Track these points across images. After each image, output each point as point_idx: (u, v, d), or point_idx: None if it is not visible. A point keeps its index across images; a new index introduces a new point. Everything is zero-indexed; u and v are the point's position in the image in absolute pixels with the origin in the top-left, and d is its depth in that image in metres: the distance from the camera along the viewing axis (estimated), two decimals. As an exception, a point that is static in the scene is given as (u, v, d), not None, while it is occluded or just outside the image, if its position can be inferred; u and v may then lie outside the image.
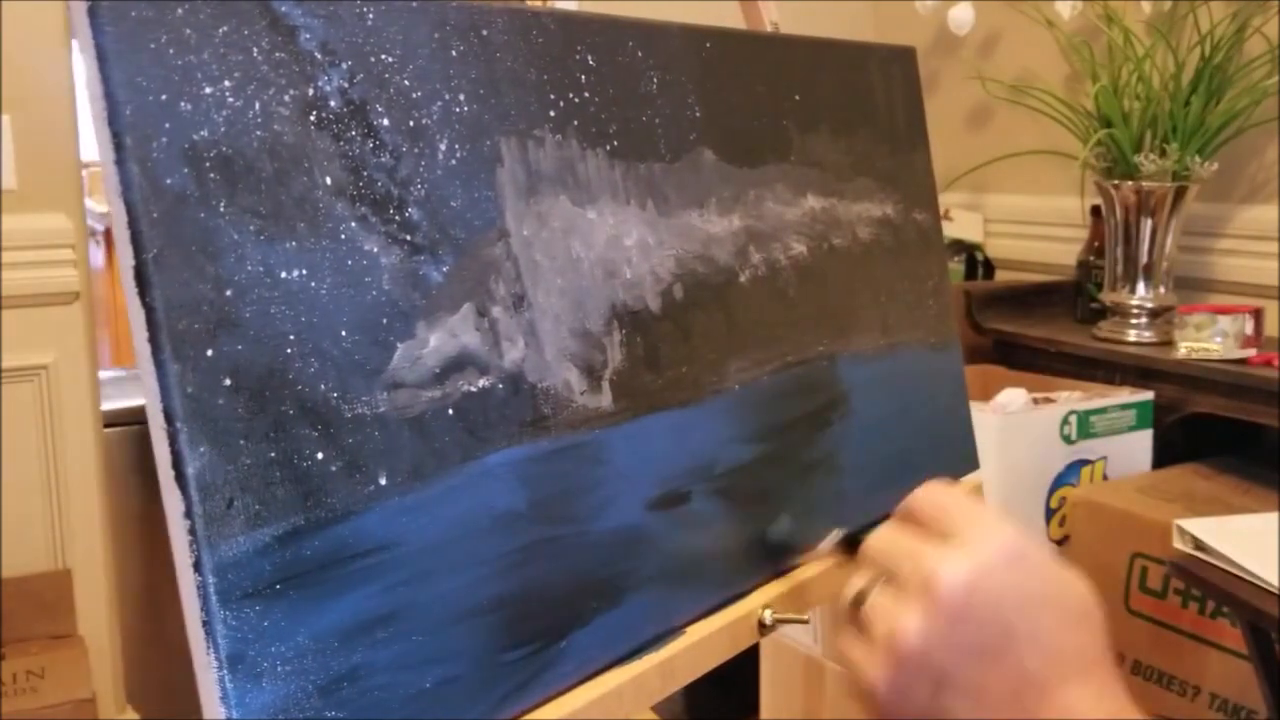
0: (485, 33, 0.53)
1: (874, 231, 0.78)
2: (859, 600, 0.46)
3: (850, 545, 0.56)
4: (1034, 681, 0.42)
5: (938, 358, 0.84)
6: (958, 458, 0.85)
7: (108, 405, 1.83)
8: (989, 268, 2.26)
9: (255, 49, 0.44)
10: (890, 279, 0.79)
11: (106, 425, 1.82)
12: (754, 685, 1.82)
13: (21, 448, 1.72)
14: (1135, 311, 1.76)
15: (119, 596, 1.85)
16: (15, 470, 1.71)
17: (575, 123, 0.57)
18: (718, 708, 1.94)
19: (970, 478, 0.87)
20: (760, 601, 0.63)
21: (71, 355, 1.74)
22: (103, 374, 1.85)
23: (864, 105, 0.79)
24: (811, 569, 0.68)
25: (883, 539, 0.48)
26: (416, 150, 0.49)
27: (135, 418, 1.88)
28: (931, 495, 0.47)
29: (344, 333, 0.45)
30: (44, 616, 1.71)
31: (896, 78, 0.83)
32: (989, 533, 0.45)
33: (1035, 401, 1.64)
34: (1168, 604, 1.43)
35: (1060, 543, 1.63)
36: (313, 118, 0.46)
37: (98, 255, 3.36)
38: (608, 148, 0.59)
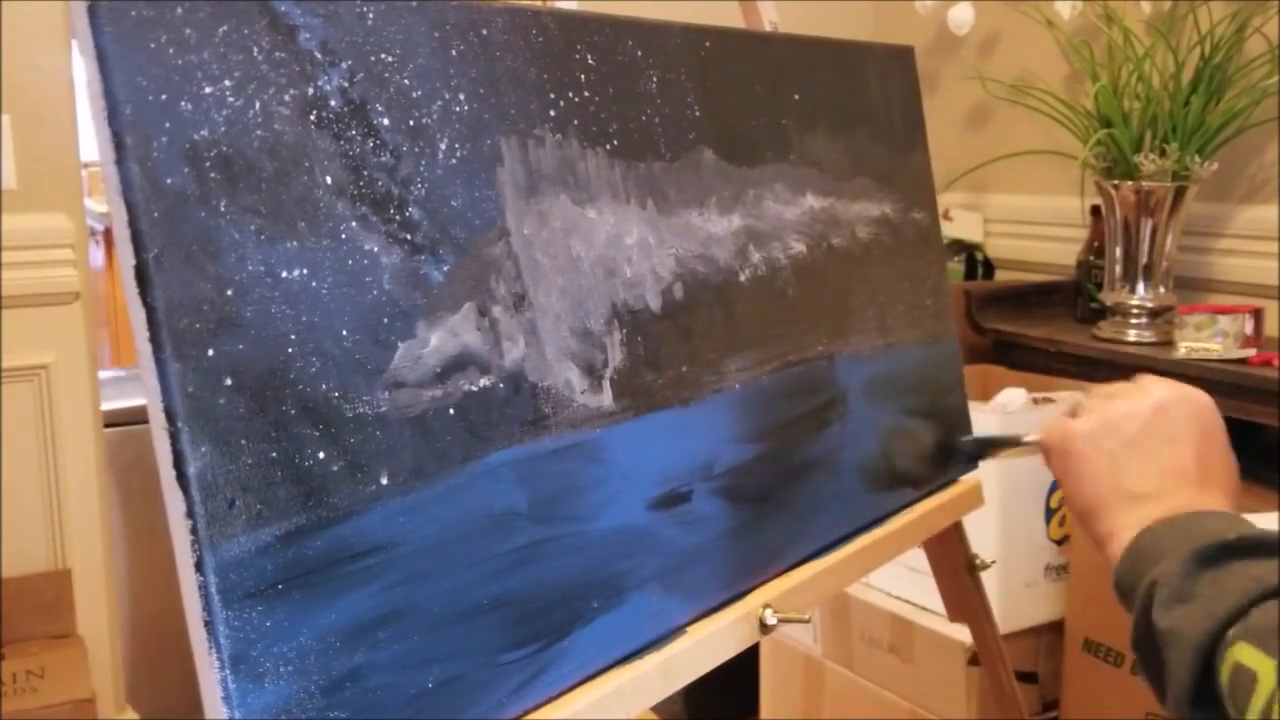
0: (485, 32, 0.53)
1: (873, 231, 0.78)
2: (1072, 409, 0.64)
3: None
4: (1183, 473, 0.59)
5: (936, 357, 0.84)
6: (956, 458, 0.85)
7: (108, 405, 1.82)
8: (989, 268, 2.26)
9: (255, 48, 0.44)
10: (889, 278, 0.79)
11: (106, 425, 1.81)
12: (754, 685, 1.82)
13: (21, 448, 1.72)
14: (1135, 311, 1.76)
15: (119, 596, 1.85)
16: (15, 470, 1.71)
17: (575, 122, 0.57)
18: (718, 708, 1.94)
19: (969, 477, 0.87)
20: (761, 601, 0.63)
21: (71, 355, 1.74)
22: (103, 374, 1.85)
23: (863, 105, 0.79)
24: (813, 569, 0.68)
25: (1111, 386, 0.65)
26: (417, 149, 0.49)
27: (135, 418, 1.88)
28: (1160, 379, 0.64)
29: (345, 332, 0.45)
30: (44, 616, 1.71)
31: (895, 77, 0.83)
32: (1198, 391, 0.63)
33: (1035, 401, 1.64)
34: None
35: (1060, 543, 1.63)
36: (313, 117, 0.46)
37: (98, 255, 3.36)
38: (608, 147, 0.59)
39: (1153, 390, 0.62)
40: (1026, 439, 0.75)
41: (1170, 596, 0.50)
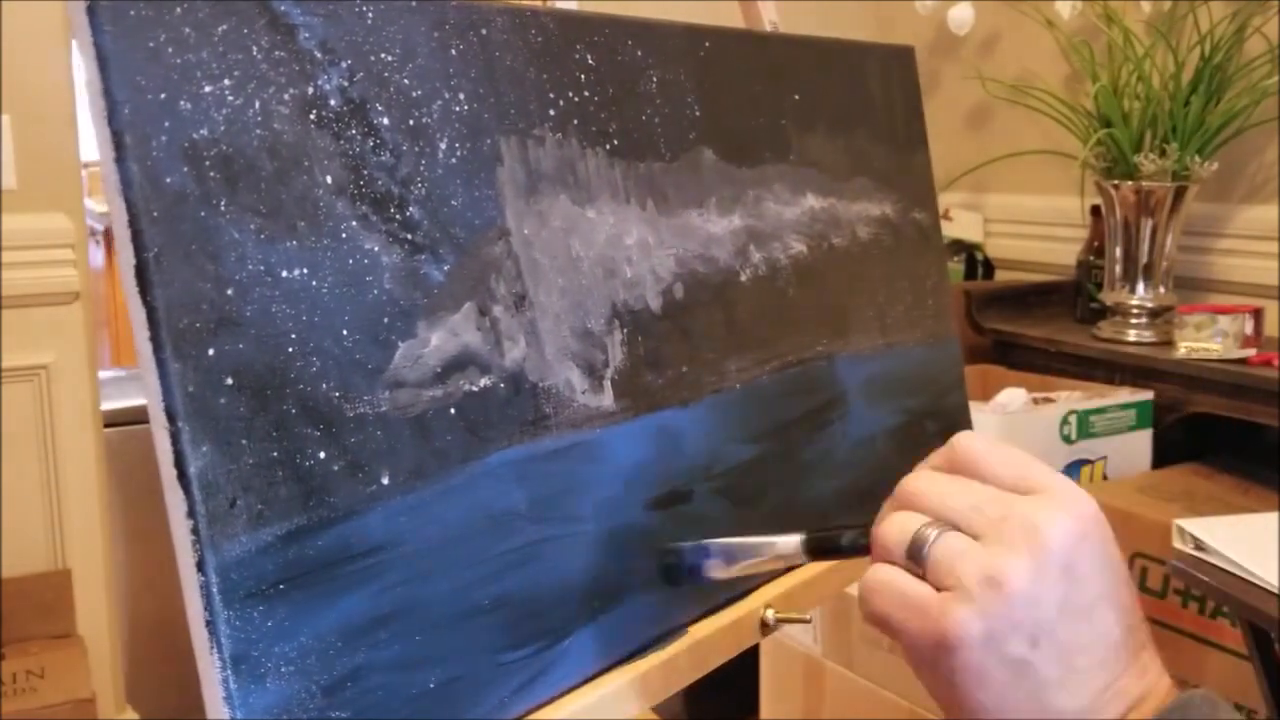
0: (485, 31, 0.53)
1: (873, 231, 0.78)
2: (918, 544, 0.43)
3: (814, 549, 0.52)
4: (1117, 647, 0.42)
5: (936, 357, 0.84)
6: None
7: (107, 405, 1.83)
8: (989, 267, 2.26)
9: (255, 48, 0.44)
10: (889, 278, 0.79)
11: (106, 425, 1.82)
12: (754, 685, 1.82)
13: (21, 448, 1.72)
14: (1135, 311, 1.76)
15: (119, 596, 1.85)
16: (15, 470, 1.71)
17: (575, 122, 0.57)
18: (718, 708, 1.94)
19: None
20: (762, 601, 0.63)
21: (71, 355, 1.74)
22: (103, 374, 1.85)
23: (863, 105, 0.79)
24: (813, 570, 0.68)
25: (937, 483, 0.45)
26: (417, 149, 0.49)
27: (135, 418, 1.88)
28: (989, 447, 0.45)
29: (345, 332, 0.45)
30: (44, 616, 1.71)
31: (895, 77, 0.83)
32: (1077, 491, 0.43)
33: (1035, 401, 1.64)
34: (1168, 604, 1.43)
35: (1060, 542, 1.63)
36: (312, 116, 0.46)
37: (98, 255, 3.36)
38: (607, 147, 0.59)
39: (1047, 534, 0.41)
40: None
41: None
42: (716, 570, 0.56)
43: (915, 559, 0.43)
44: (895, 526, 0.44)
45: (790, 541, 0.52)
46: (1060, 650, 0.41)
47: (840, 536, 0.50)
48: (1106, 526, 0.43)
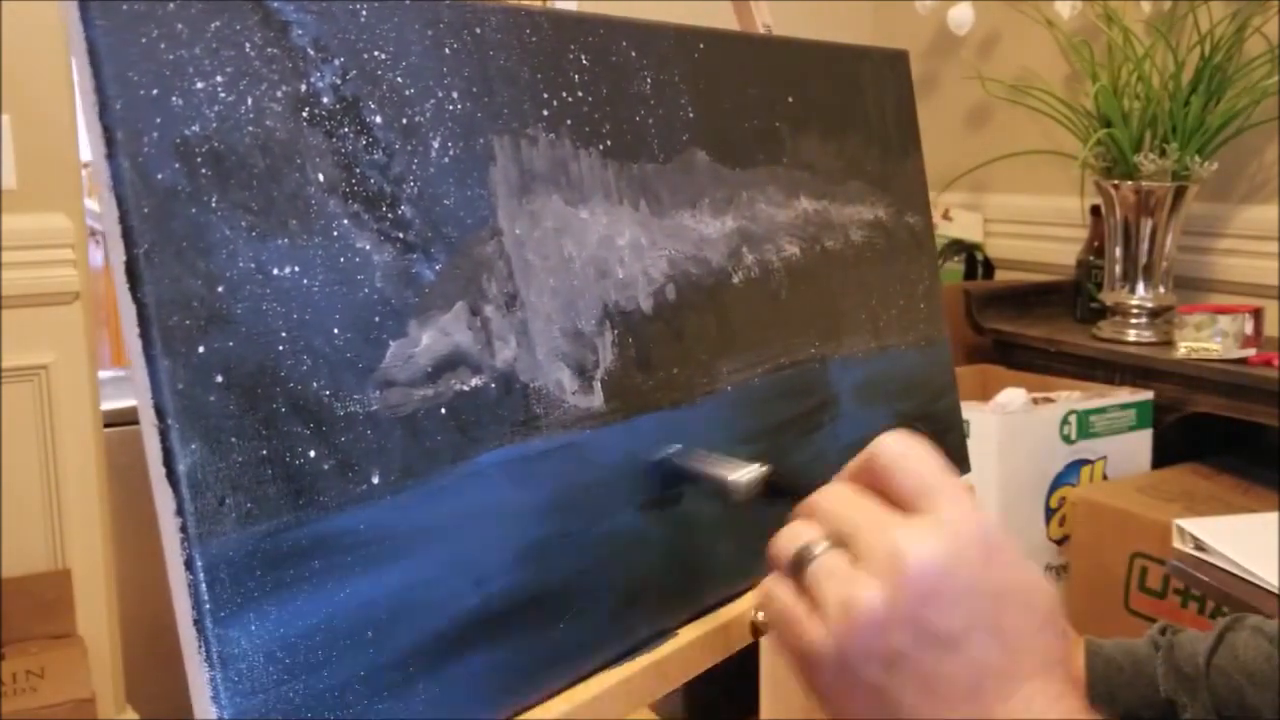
0: (478, 31, 0.53)
1: (866, 234, 0.78)
2: (801, 559, 0.43)
3: (773, 489, 0.52)
4: (992, 675, 0.41)
5: (929, 360, 0.84)
6: (949, 460, 0.85)
7: (107, 405, 1.83)
8: (989, 268, 2.26)
9: (247, 44, 0.44)
10: (882, 282, 0.79)
11: (106, 425, 1.82)
12: (754, 685, 1.82)
13: (21, 448, 1.72)
14: (1135, 311, 1.76)
15: (119, 596, 1.85)
16: (15, 470, 1.71)
17: (568, 122, 0.57)
18: (718, 708, 1.94)
19: (965, 479, 0.87)
20: (753, 602, 0.63)
21: (71, 355, 1.74)
22: (102, 374, 1.85)
23: (857, 108, 0.79)
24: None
25: (836, 498, 0.45)
26: (409, 148, 0.49)
27: (135, 418, 1.88)
28: (901, 457, 0.44)
29: (336, 330, 0.45)
30: (43, 616, 1.72)
31: (889, 81, 0.83)
32: (963, 514, 0.42)
33: (1035, 401, 1.63)
34: (1168, 604, 1.43)
35: (1060, 543, 1.63)
36: (305, 114, 0.46)
37: (97, 255, 3.36)
38: (600, 147, 0.59)
39: (909, 558, 0.40)
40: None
41: None
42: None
43: (796, 573, 0.44)
44: (787, 538, 0.45)
45: (753, 470, 0.53)
46: (920, 678, 0.40)
47: (802, 484, 0.50)
48: (997, 550, 0.42)
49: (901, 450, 0.45)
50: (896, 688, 0.41)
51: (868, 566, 0.42)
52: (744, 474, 0.54)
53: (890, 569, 0.41)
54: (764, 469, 0.54)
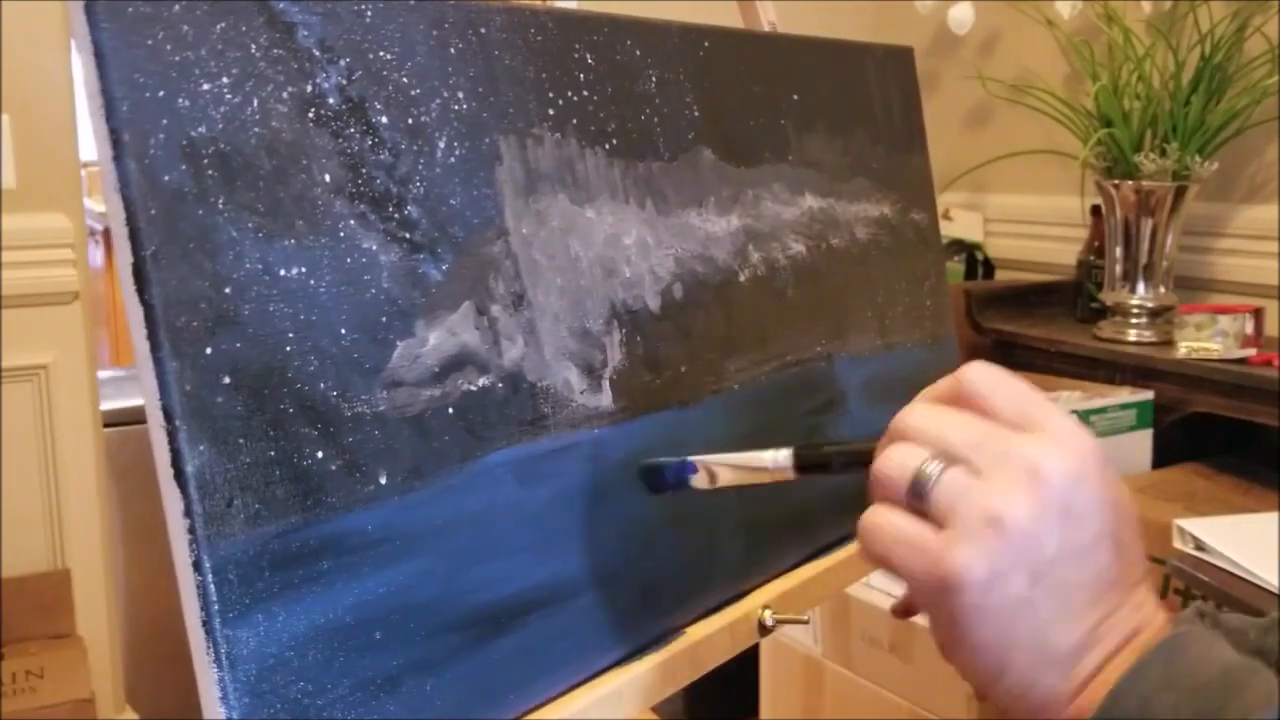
0: (484, 30, 0.53)
1: (871, 231, 0.78)
2: (920, 481, 0.42)
3: (803, 463, 0.52)
4: (1111, 583, 0.42)
5: (935, 358, 0.84)
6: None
7: (107, 405, 1.83)
8: (989, 267, 2.26)
9: (253, 45, 0.44)
10: (887, 279, 0.79)
11: (106, 425, 1.81)
12: (754, 685, 1.82)
13: (21, 448, 1.72)
14: (1135, 311, 1.76)
15: (118, 596, 1.85)
16: (14, 470, 1.71)
17: (574, 121, 0.57)
18: (718, 708, 1.94)
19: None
20: (760, 602, 0.63)
21: (71, 355, 1.74)
22: (102, 374, 1.85)
23: (861, 105, 0.79)
24: (811, 570, 0.68)
25: (938, 418, 0.44)
26: (415, 148, 0.49)
27: (135, 418, 1.88)
28: (997, 380, 0.44)
29: (343, 331, 0.45)
30: (43, 616, 1.71)
31: (893, 78, 0.83)
32: (1075, 429, 0.43)
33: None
34: (1168, 604, 1.43)
35: (1060, 543, 1.63)
36: (311, 115, 0.45)
37: (97, 255, 3.36)
38: (606, 146, 0.59)
39: (1045, 472, 0.41)
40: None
41: None
42: (701, 481, 0.55)
43: (918, 497, 0.42)
44: (896, 462, 0.44)
45: (780, 455, 0.52)
46: (1059, 588, 0.41)
47: (831, 454, 0.50)
48: (1107, 466, 0.43)
49: (994, 374, 0.44)
50: (1039, 598, 0.41)
51: (1002, 480, 0.41)
52: (776, 454, 0.53)
53: (1030, 481, 0.41)
54: (790, 448, 0.53)
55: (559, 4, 1.83)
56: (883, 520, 0.44)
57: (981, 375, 0.44)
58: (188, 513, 0.40)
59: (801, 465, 0.52)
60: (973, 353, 1.92)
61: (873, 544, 0.44)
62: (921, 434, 0.44)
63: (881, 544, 0.43)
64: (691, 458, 0.55)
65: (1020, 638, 0.41)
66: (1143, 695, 0.40)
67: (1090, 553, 0.42)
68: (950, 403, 0.45)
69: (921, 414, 0.44)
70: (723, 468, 0.54)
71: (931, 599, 0.42)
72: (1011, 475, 0.41)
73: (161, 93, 0.41)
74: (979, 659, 0.42)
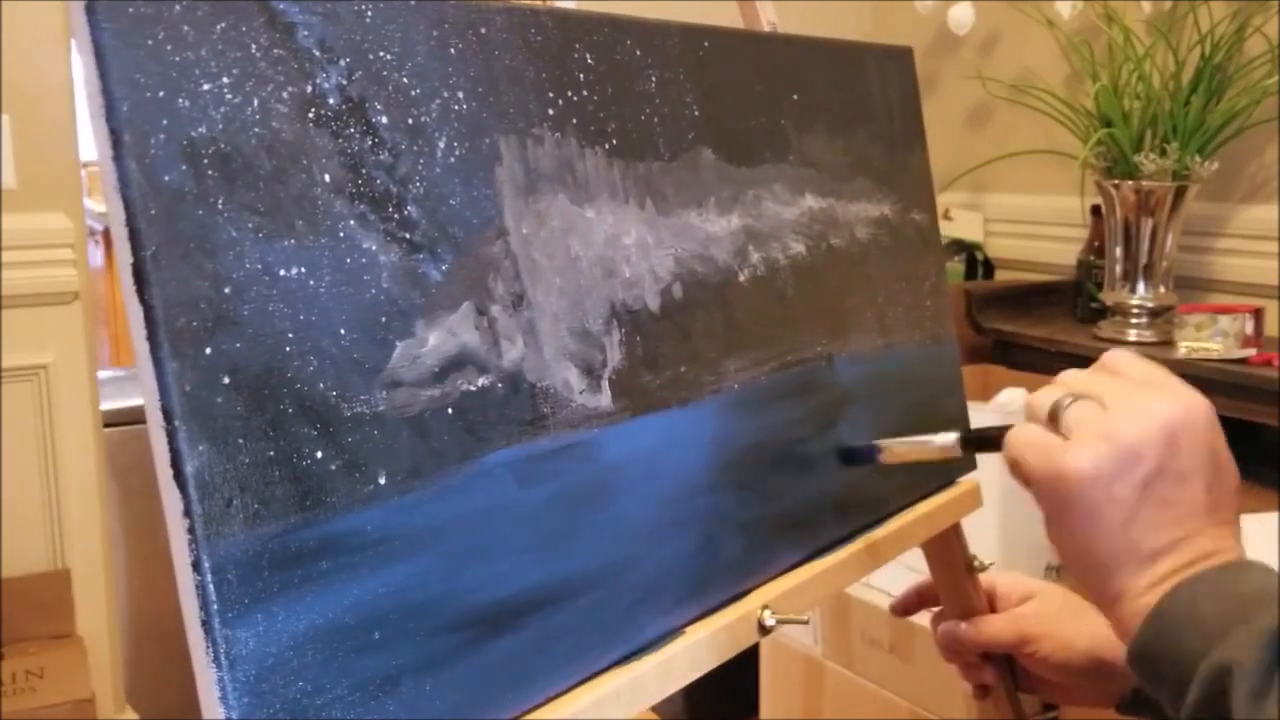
0: (484, 31, 0.53)
1: (872, 231, 0.78)
2: (1056, 407, 0.54)
3: (969, 444, 0.65)
4: (1203, 510, 0.52)
5: (936, 358, 0.84)
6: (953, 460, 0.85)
7: (107, 405, 1.83)
8: (989, 267, 2.26)
9: (253, 45, 0.44)
10: (888, 279, 0.79)
11: (106, 425, 1.82)
12: (754, 685, 1.82)
13: (20, 447, 1.72)
14: (1135, 311, 1.76)
15: (119, 596, 1.85)
16: (14, 470, 1.71)
17: (574, 121, 0.57)
18: (718, 708, 1.94)
19: (969, 478, 0.87)
20: (760, 602, 0.63)
21: (70, 355, 1.74)
22: (102, 374, 1.85)
23: (861, 105, 0.79)
24: (810, 571, 0.68)
25: (1081, 372, 0.57)
26: (415, 148, 0.49)
27: (134, 418, 1.89)
28: (1132, 356, 0.57)
29: (343, 331, 0.45)
30: (43, 616, 1.71)
31: (893, 77, 0.83)
32: (1195, 393, 0.54)
33: (1035, 401, 1.63)
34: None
35: (1060, 543, 1.63)
36: (311, 115, 0.45)
37: (97, 255, 3.36)
38: (606, 146, 0.59)
39: (1156, 410, 0.52)
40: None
41: (1257, 689, 0.45)
42: (887, 456, 0.70)
43: (1053, 419, 0.54)
44: (1043, 395, 0.56)
45: (949, 437, 0.66)
46: (1154, 498, 0.51)
47: (989, 432, 0.61)
48: (1216, 426, 0.54)
49: (1128, 353, 0.57)
50: (1137, 502, 0.51)
51: (1120, 411, 0.53)
52: (945, 437, 0.66)
53: (1144, 414, 0.52)
54: (956, 431, 0.66)
55: (559, 4, 1.83)
56: (1023, 431, 0.56)
57: (1118, 353, 0.58)
58: (187, 513, 0.40)
59: (966, 444, 0.66)
60: (973, 353, 1.92)
61: (1013, 448, 0.55)
62: (1067, 382, 0.56)
63: (1018, 447, 0.55)
64: (875, 441, 0.70)
65: (1112, 529, 0.51)
66: (1195, 594, 0.50)
67: (1188, 479, 0.52)
68: (1098, 370, 0.57)
69: (1071, 371, 0.58)
70: (901, 448, 0.69)
71: (1048, 491, 0.53)
72: (1128, 409, 0.53)
73: (162, 93, 0.41)
74: (1091, 549, 0.52)
